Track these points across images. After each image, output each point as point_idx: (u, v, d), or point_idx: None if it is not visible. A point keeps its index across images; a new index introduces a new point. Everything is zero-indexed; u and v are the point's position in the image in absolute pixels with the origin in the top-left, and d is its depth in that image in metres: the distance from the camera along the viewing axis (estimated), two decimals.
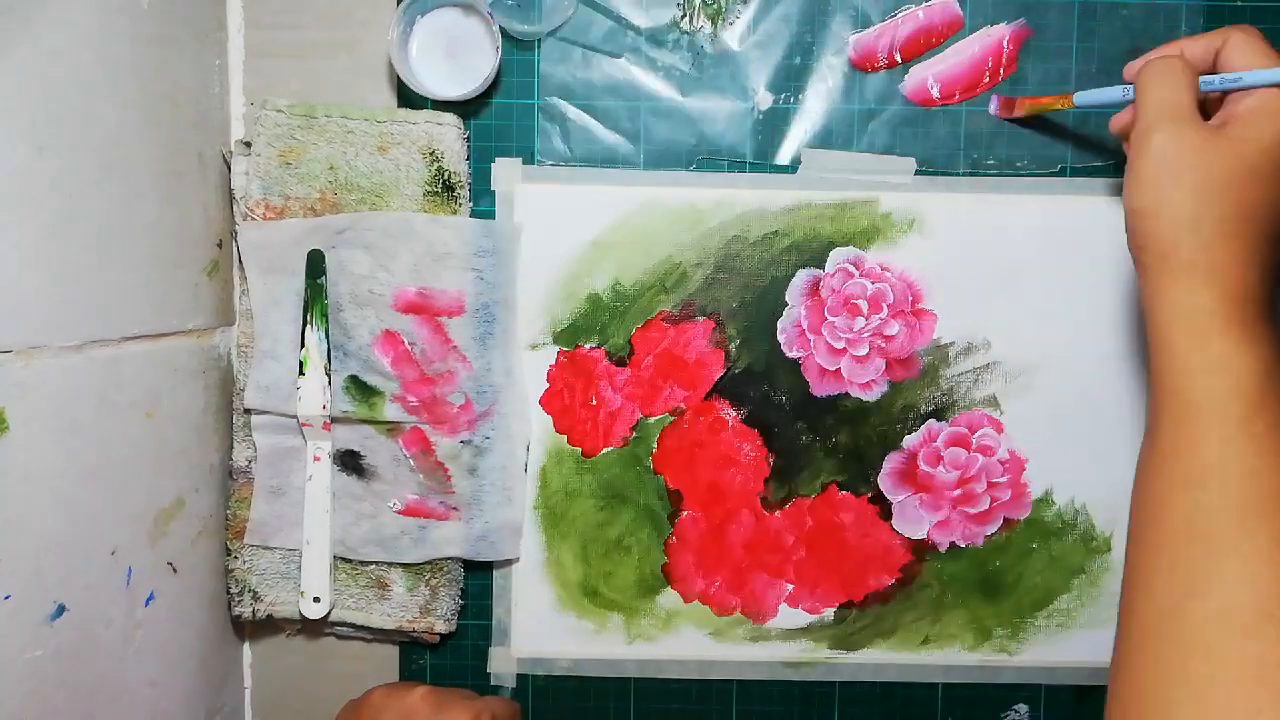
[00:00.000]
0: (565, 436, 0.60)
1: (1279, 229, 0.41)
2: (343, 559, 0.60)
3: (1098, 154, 0.59)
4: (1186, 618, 0.36)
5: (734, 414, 0.60)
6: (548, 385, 0.60)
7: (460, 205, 0.58)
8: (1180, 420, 0.39)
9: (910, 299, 0.59)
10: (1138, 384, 0.60)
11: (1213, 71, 0.45)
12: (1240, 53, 0.43)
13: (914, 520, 0.61)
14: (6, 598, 0.42)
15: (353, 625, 0.61)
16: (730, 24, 0.59)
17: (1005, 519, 0.61)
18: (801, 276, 0.59)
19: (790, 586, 0.61)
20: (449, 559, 0.60)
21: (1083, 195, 0.59)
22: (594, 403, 0.60)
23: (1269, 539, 0.36)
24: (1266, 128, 0.41)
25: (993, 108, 0.58)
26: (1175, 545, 0.38)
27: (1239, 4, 0.58)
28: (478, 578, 0.62)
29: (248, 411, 0.58)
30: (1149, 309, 0.42)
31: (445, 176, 0.57)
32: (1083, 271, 0.59)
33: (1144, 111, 0.43)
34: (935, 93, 0.59)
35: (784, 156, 0.59)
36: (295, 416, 0.58)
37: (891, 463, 0.60)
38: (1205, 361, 0.39)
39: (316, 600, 0.59)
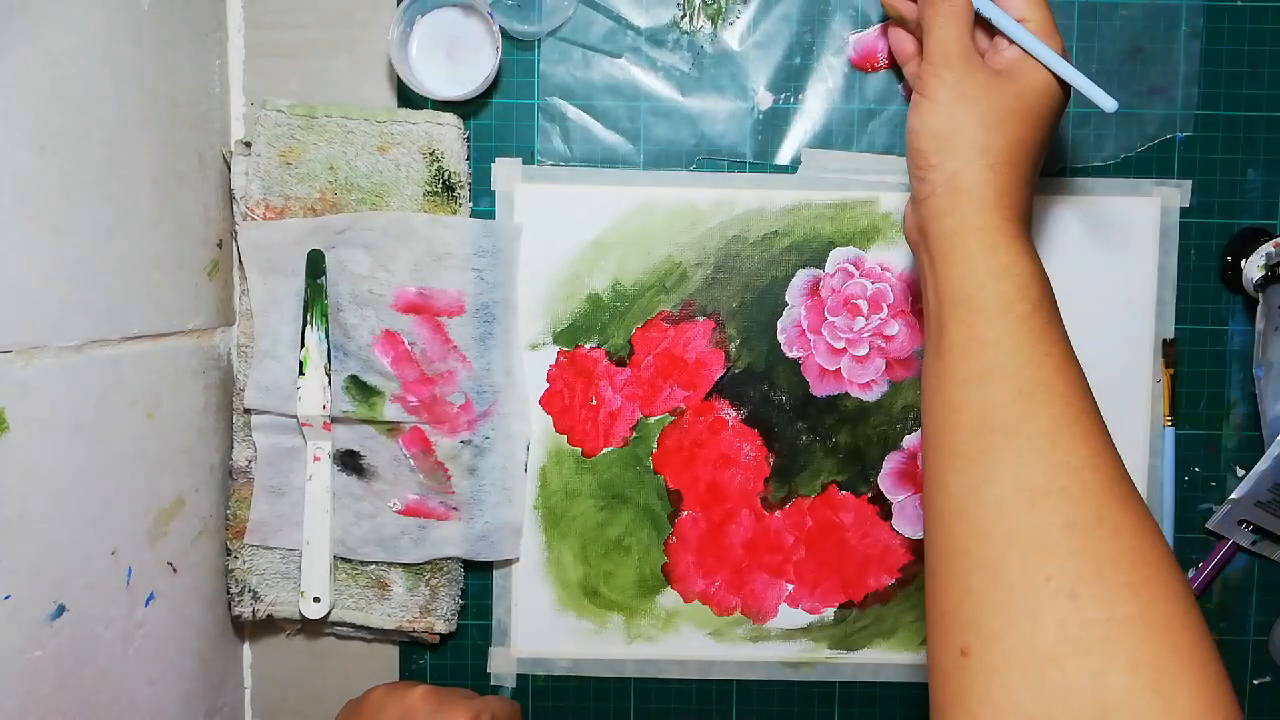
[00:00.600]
0: (565, 436, 0.60)
1: (1041, 161, 0.48)
2: (343, 559, 0.60)
3: (1098, 154, 0.59)
4: (979, 503, 0.40)
5: (734, 414, 0.60)
6: (548, 385, 0.60)
7: (460, 205, 0.58)
8: (970, 324, 0.43)
9: (910, 299, 0.59)
10: (1138, 384, 0.60)
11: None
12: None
13: (914, 520, 0.61)
14: (6, 598, 0.42)
15: (353, 625, 0.61)
16: (730, 24, 0.59)
17: None
18: (801, 276, 0.59)
19: (790, 586, 0.61)
20: (449, 559, 0.60)
21: (1083, 195, 0.59)
22: (594, 403, 0.60)
23: (1048, 419, 0.40)
24: (1037, 77, 0.46)
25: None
26: (968, 439, 0.41)
27: (1239, 3, 0.58)
28: (478, 578, 0.62)
29: (248, 411, 0.58)
30: (933, 227, 0.45)
31: (445, 176, 0.57)
32: (1082, 271, 0.59)
33: (937, 48, 0.47)
34: None
35: (784, 156, 0.59)
36: (295, 416, 0.58)
37: (891, 463, 0.60)
38: (994, 269, 0.43)
39: (316, 600, 0.59)
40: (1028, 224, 0.47)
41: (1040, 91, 0.46)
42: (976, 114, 0.45)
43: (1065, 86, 0.47)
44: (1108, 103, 0.46)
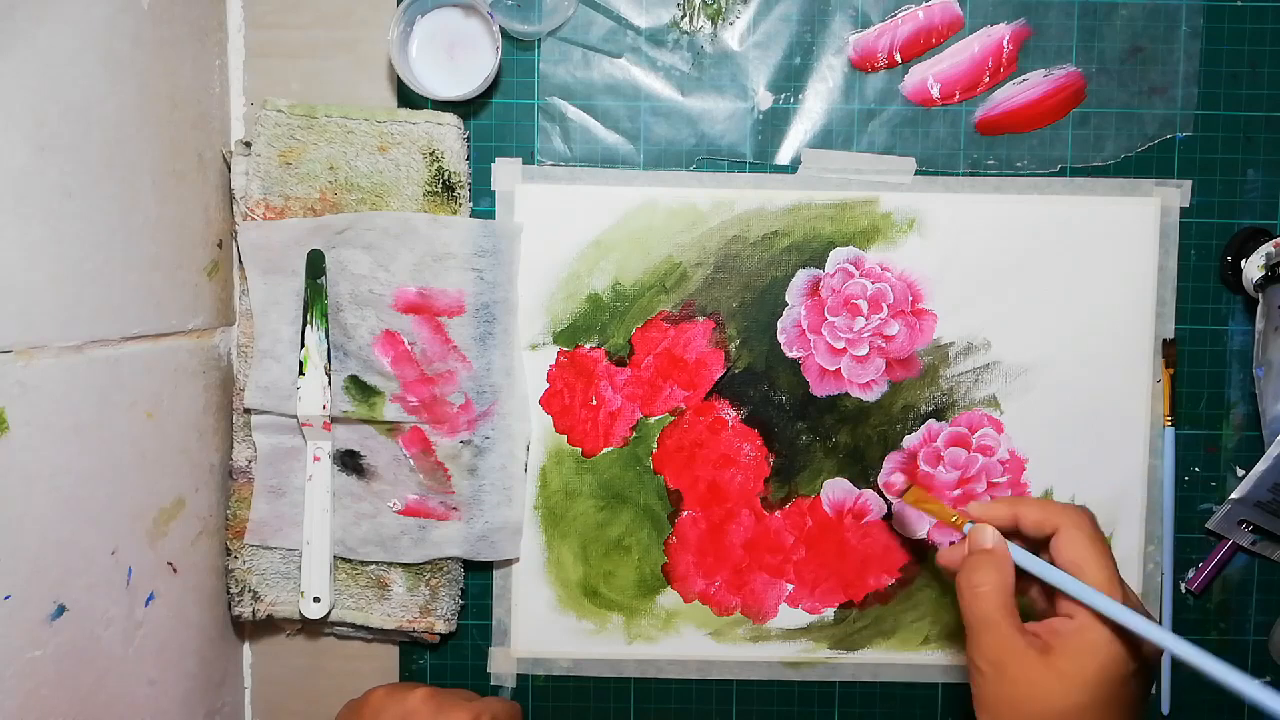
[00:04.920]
0: (565, 436, 0.60)
1: None
2: (343, 559, 0.60)
3: (1097, 154, 0.59)
4: None
5: (734, 414, 0.60)
6: (548, 385, 0.60)
7: (460, 205, 0.58)
8: None
9: (910, 299, 0.59)
10: (1138, 384, 0.60)
11: (1045, 539, 0.45)
12: (1069, 545, 0.43)
13: (914, 519, 0.61)
14: (6, 598, 0.42)
15: (353, 625, 0.61)
16: (730, 24, 0.59)
17: None
18: (801, 276, 0.59)
19: (790, 586, 0.61)
20: (449, 559, 0.60)
21: (1083, 195, 0.59)
22: (594, 403, 0.60)
23: None
24: (1088, 663, 0.41)
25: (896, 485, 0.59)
26: None
27: (1239, 3, 0.58)
28: (478, 578, 0.62)
29: (248, 411, 0.58)
30: None
31: (445, 176, 0.57)
32: (1083, 271, 0.59)
33: (970, 628, 0.43)
34: (935, 93, 0.59)
35: (784, 156, 0.59)
36: (295, 416, 0.58)
37: (891, 463, 0.60)
38: None
39: (316, 600, 0.59)
40: None
41: (1087, 682, 0.40)
42: (1021, 698, 0.40)
43: (1135, 644, 0.41)
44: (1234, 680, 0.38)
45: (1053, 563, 0.43)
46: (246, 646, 0.63)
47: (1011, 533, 0.46)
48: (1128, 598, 0.42)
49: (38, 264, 0.43)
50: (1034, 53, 0.59)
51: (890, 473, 0.60)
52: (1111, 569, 0.42)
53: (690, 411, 0.60)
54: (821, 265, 0.59)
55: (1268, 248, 0.57)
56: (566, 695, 0.62)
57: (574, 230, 0.59)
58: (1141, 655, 0.41)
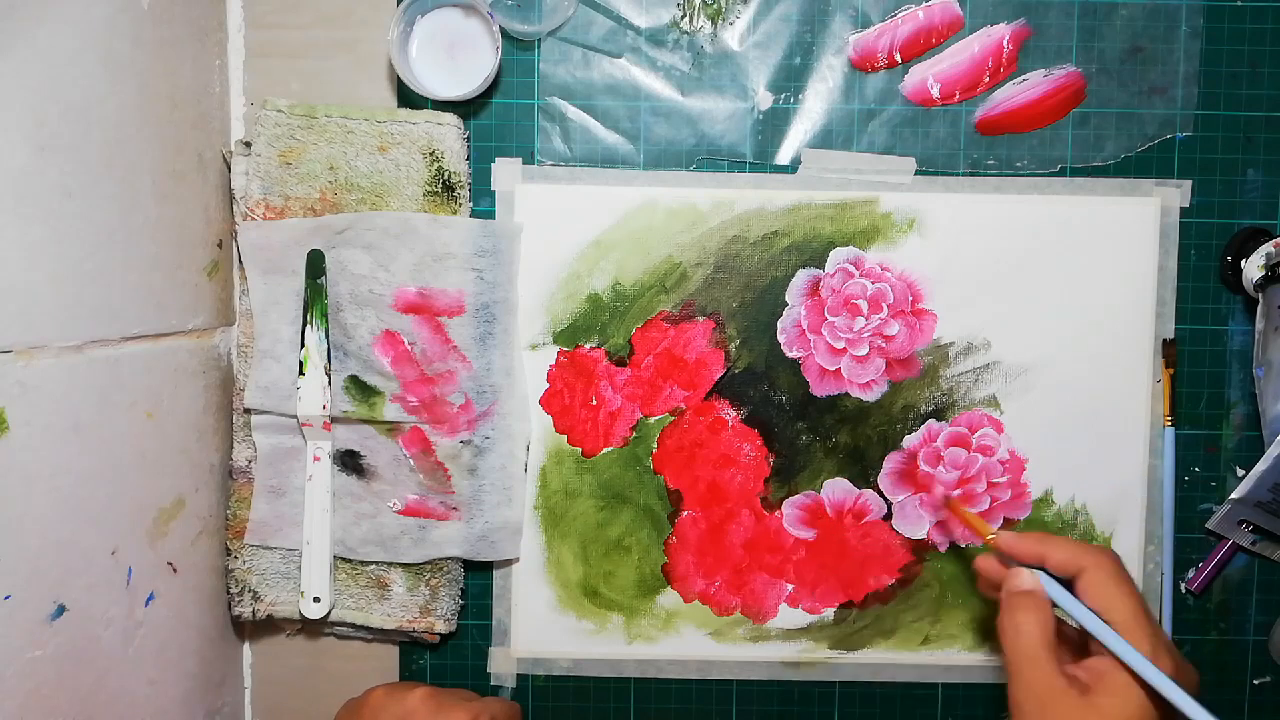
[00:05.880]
0: (565, 436, 0.60)
1: None
2: (343, 559, 0.60)
3: (1098, 154, 0.59)
4: None
5: (734, 414, 0.60)
6: (548, 385, 0.60)
7: (460, 205, 0.58)
8: None
9: (910, 299, 0.60)
10: (1138, 384, 0.60)
11: (1071, 583, 0.45)
12: (1095, 586, 0.44)
13: (914, 520, 0.61)
14: (6, 598, 0.42)
15: (353, 625, 0.61)
16: (730, 24, 0.59)
17: (1005, 519, 0.61)
18: (801, 276, 0.59)
19: (790, 586, 0.61)
20: (449, 559, 0.60)
21: (1083, 195, 0.59)
22: (594, 403, 0.60)
23: None
24: (1128, 700, 0.41)
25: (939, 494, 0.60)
26: None
27: (1239, 3, 0.58)
28: (478, 578, 0.62)
29: (248, 411, 0.58)
30: None
31: (445, 176, 0.57)
32: (1083, 271, 0.59)
33: (1013, 646, 0.44)
34: (935, 93, 0.59)
35: (784, 156, 0.59)
36: (295, 416, 0.58)
37: (891, 463, 0.60)
38: None
39: (316, 600, 0.59)
40: None
41: (1133, 693, 0.41)
42: None
43: (1165, 704, 0.41)
44: None
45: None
46: (246, 646, 0.63)
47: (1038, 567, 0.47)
48: (1157, 635, 0.42)
49: (38, 264, 0.43)
50: (1034, 53, 0.59)
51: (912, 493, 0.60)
52: (1136, 609, 0.43)
53: (690, 411, 0.60)
54: (821, 265, 0.59)
55: (1268, 248, 0.57)
56: (566, 695, 0.62)
57: (574, 230, 0.59)
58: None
